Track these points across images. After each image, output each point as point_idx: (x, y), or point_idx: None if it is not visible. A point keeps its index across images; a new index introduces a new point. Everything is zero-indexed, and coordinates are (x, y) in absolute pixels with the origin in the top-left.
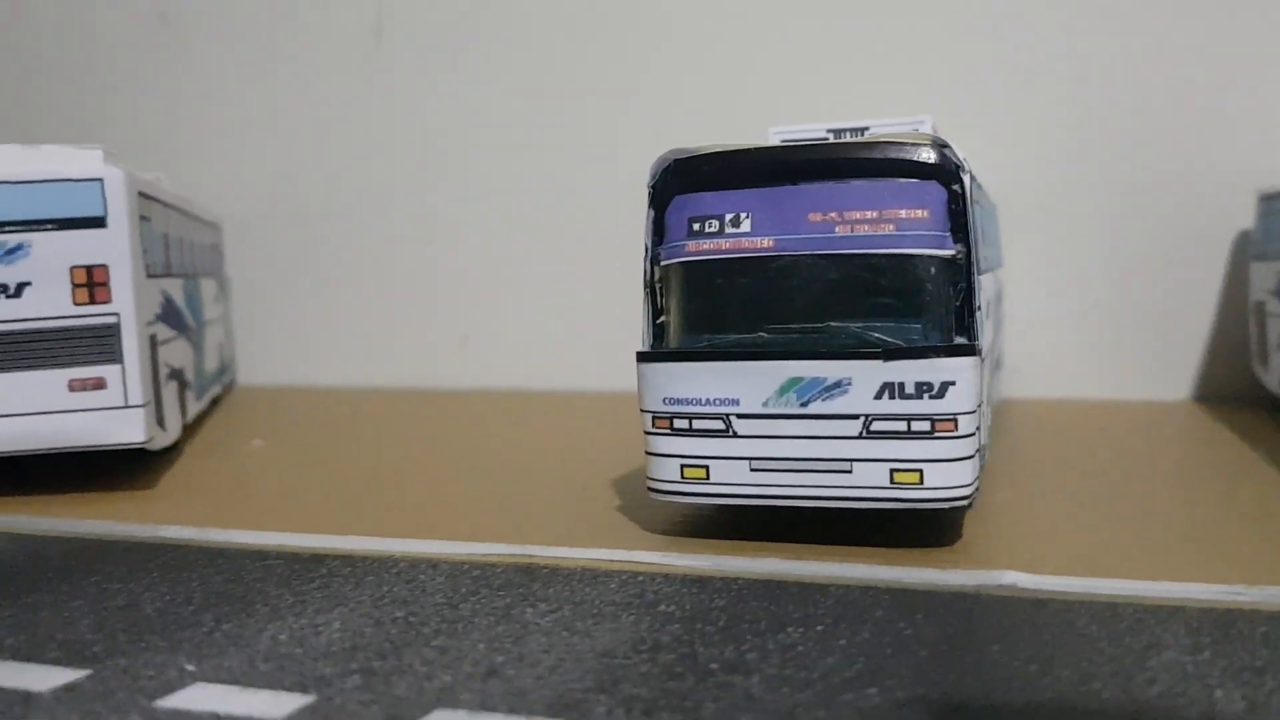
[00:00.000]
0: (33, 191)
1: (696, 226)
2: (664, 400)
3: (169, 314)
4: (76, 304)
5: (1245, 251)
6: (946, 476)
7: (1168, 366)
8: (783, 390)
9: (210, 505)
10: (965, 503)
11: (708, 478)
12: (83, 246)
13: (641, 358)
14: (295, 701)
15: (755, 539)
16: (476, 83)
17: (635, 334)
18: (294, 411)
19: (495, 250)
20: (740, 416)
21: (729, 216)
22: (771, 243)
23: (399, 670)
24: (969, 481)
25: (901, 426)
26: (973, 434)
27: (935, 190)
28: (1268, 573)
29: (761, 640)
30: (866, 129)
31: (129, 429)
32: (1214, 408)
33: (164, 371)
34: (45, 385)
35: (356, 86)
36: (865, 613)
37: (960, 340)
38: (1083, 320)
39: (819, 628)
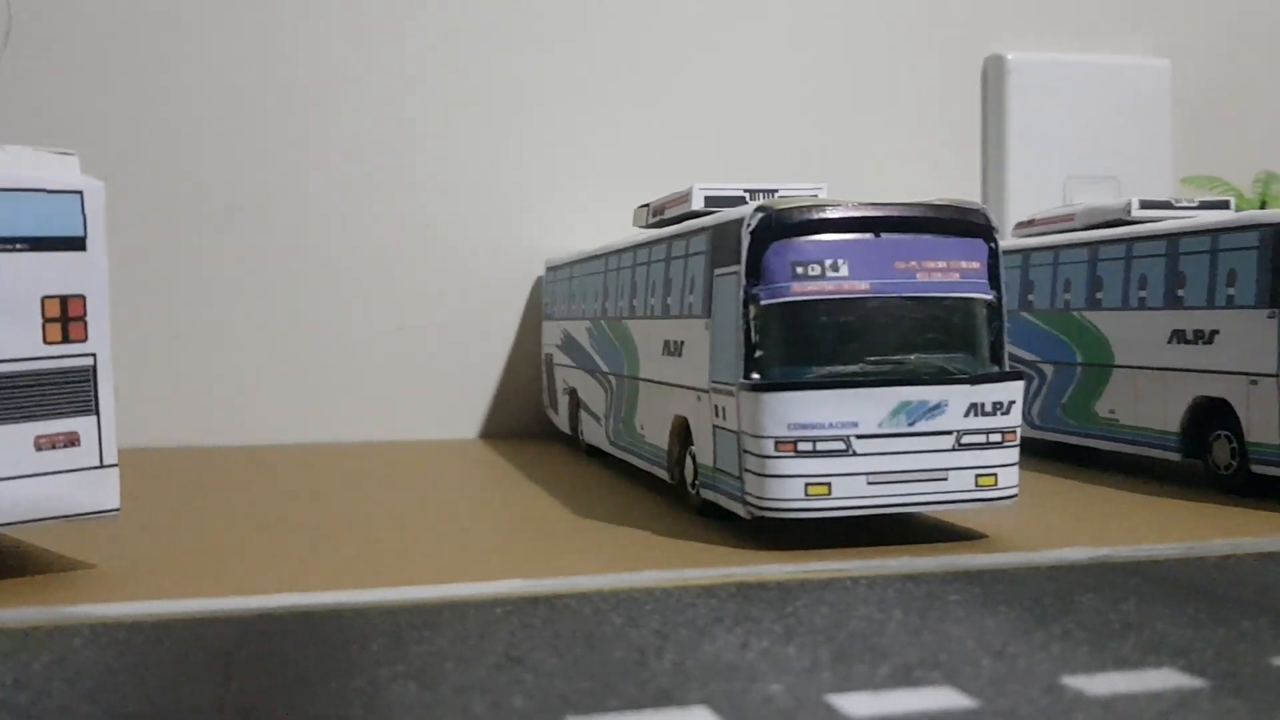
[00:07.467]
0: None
1: (800, 270)
2: (788, 425)
3: None
4: (48, 342)
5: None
6: (1011, 477)
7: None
8: (895, 412)
9: (252, 571)
10: (1017, 498)
11: (830, 493)
12: (58, 272)
13: (759, 388)
14: (955, 697)
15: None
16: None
17: (310, 384)
18: None
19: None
20: (859, 437)
21: (828, 262)
22: (868, 285)
23: (962, 661)
24: (1019, 480)
25: (983, 439)
26: (1020, 442)
27: (982, 246)
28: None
29: (1116, 611)
30: (776, 191)
31: (104, 494)
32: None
33: None
34: (7, 444)
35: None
36: (1115, 585)
37: (996, 368)
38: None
39: (1130, 599)
